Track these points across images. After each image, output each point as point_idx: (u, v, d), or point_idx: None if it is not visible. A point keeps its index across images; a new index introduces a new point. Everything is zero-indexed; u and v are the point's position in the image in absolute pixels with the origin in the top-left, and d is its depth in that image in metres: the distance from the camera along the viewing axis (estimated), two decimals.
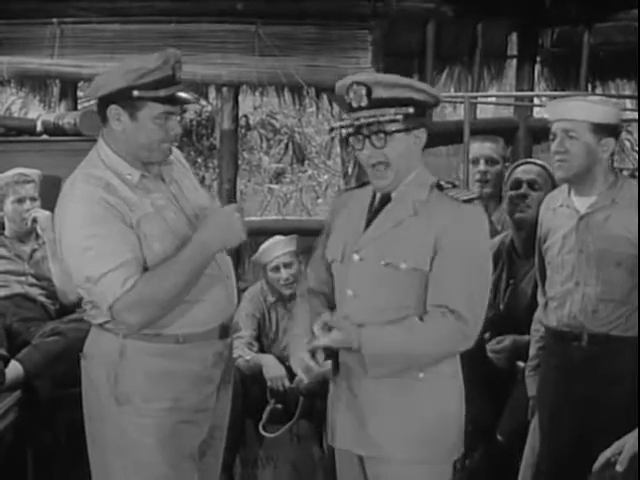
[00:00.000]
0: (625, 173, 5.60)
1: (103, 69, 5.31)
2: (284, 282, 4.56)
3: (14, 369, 3.94)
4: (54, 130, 5.28)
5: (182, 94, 2.87)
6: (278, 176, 8.41)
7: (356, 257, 2.74)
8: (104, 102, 2.82)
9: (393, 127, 2.68)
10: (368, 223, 2.78)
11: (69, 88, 5.96)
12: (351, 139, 2.73)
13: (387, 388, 2.74)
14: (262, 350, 4.72)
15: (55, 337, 4.11)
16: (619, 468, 2.82)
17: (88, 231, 2.73)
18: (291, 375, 4.50)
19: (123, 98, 2.77)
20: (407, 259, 2.68)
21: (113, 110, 2.79)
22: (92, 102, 6.71)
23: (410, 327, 2.67)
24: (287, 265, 4.58)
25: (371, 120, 2.65)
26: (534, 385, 3.59)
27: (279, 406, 4.52)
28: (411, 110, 2.67)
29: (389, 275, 2.71)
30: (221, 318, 2.97)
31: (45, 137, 5.33)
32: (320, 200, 8.46)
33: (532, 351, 3.61)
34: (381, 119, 2.67)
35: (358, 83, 2.68)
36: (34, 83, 5.92)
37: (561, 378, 3.41)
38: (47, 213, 4.42)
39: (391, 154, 2.70)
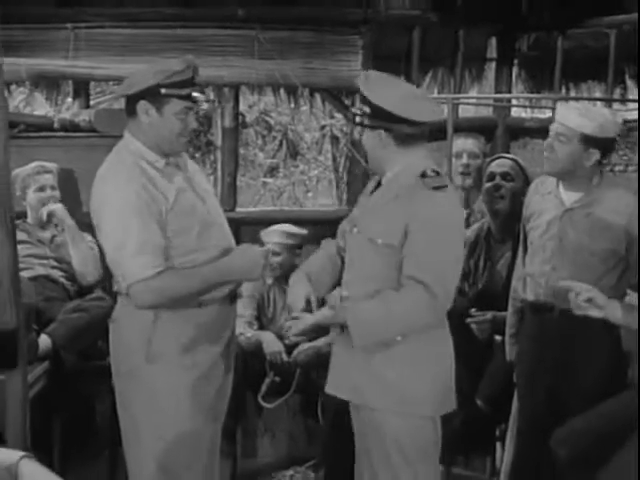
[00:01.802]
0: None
1: (114, 70, 5.67)
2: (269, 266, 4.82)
3: (44, 341, 4.25)
4: (70, 127, 5.50)
5: (198, 94, 3.25)
6: (272, 171, 8.56)
7: (354, 230, 3.14)
8: (134, 99, 3.18)
9: (358, 119, 3.08)
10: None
11: (82, 88, 6.09)
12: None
13: (378, 348, 3.07)
14: (261, 328, 4.95)
15: (79, 313, 4.42)
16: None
17: (129, 217, 3.07)
18: (288, 351, 4.80)
19: (152, 95, 3.14)
20: (382, 236, 3.03)
21: (143, 105, 3.16)
22: (103, 98, 7.01)
23: (386, 300, 2.99)
24: (275, 253, 4.84)
25: (354, 110, 3.11)
26: (513, 351, 3.89)
27: (277, 379, 4.78)
28: (366, 109, 3.04)
29: (371, 248, 3.06)
30: (229, 286, 3.32)
31: (61, 133, 5.49)
32: (310, 194, 8.67)
33: (510, 319, 3.91)
34: (353, 110, 3.13)
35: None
36: (47, 83, 6.02)
37: (536, 346, 3.71)
38: (59, 205, 4.71)
39: (364, 144, 3.11)
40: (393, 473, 3.16)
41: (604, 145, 3.55)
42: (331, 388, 3.24)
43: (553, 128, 3.60)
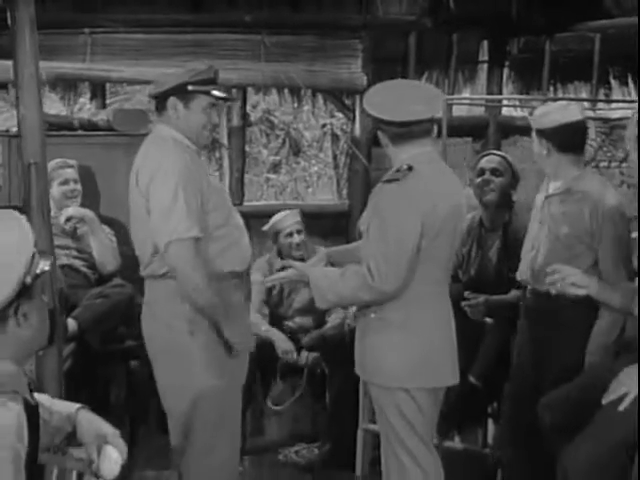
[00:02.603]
0: None
1: (129, 73, 6.02)
2: (295, 246, 5.16)
3: (71, 325, 4.57)
4: (88, 126, 5.75)
5: (220, 93, 3.62)
6: (275, 167, 8.78)
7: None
8: (164, 97, 3.55)
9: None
10: None
11: (99, 89, 6.36)
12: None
13: (362, 324, 3.44)
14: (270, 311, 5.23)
15: (102, 299, 4.75)
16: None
17: (177, 186, 3.40)
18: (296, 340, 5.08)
19: (180, 92, 3.51)
20: (362, 224, 3.41)
21: (172, 101, 3.53)
22: (116, 99, 7.26)
23: (342, 272, 3.36)
24: (299, 232, 5.20)
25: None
26: None
27: (282, 382, 5.10)
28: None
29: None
30: (248, 261, 3.68)
31: (81, 132, 5.73)
32: (310, 189, 8.92)
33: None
34: None
35: None
36: (65, 84, 6.28)
37: (525, 322, 4.05)
38: (72, 208, 4.98)
39: None
40: (387, 442, 3.46)
41: (550, 135, 3.85)
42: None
43: None
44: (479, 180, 4.66)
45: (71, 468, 2.40)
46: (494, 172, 4.64)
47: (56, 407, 2.45)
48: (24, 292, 2.16)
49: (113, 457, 2.41)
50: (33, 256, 2.17)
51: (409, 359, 3.33)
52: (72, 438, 2.45)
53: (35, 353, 2.37)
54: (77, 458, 2.43)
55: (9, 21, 3.95)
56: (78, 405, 2.49)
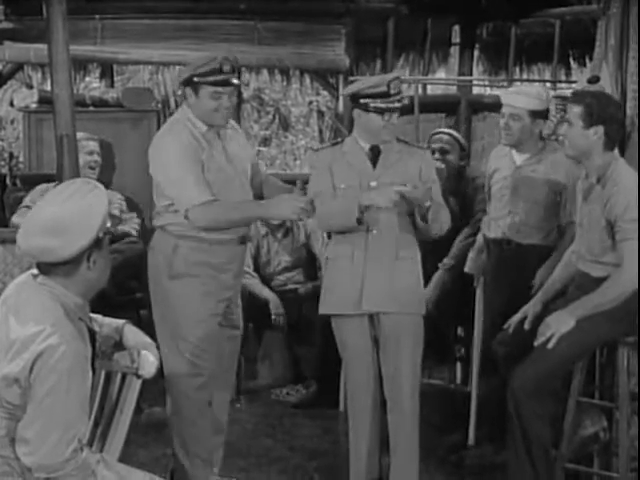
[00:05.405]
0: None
1: (135, 55, 6.54)
2: None
3: None
4: (99, 103, 6.23)
5: (232, 80, 3.92)
6: (265, 141, 9.15)
7: (374, 183, 3.96)
8: (182, 84, 3.99)
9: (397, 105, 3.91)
10: (373, 164, 3.97)
11: (107, 69, 6.81)
12: (384, 113, 3.90)
13: (392, 264, 3.99)
14: (257, 270, 5.62)
15: (116, 254, 5.11)
16: (527, 326, 3.90)
17: (182, 162, 3.82)
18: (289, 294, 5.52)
19: (190, 83, 3.93)
20: (409, 180, 3.89)
21: (187, 90, 3.96)
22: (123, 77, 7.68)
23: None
24: None
25: (402, 102, 3.98)
26: (473, 265, 4.74)
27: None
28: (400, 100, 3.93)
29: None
30: (240, 231, 4.04)
31: (92, 108, 6.20)
32: (298, 162, 9.30)
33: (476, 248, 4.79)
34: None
35: (397, 79, 3.92)
36: (77, 65, 6.64)
37: (495, 268, 4.56)
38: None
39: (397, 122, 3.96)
40: (409, 367, 3.99)
41: (545, 115, 4.42)
42: (371, 307, 4.01)
43: (505, 111, 4.42)
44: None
45: (116, 370, 3.00)
46: (441, 151, 5.13)
47: (106, 322, 3.09)
48: (96, 243, 2.69)
49: (150, 359, 2.99)
50: (105, 215, 2.71)
51: (422, 289, 4.10)
52: (118, 346, 3.07)
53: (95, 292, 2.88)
54: (122, 364, 3.00)
55: (44, 13, 4.48)
56: (125, 321, 3.11)
